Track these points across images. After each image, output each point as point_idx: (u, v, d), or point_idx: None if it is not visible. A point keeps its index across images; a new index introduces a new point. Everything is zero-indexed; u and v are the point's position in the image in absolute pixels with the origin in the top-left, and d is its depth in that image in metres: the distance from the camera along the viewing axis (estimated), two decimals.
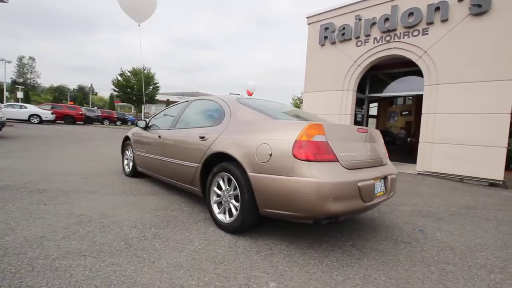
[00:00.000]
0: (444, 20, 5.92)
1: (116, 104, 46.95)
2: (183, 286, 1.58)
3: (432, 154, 6.16)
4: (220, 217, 2.45)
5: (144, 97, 17.47)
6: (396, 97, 9.61)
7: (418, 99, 9.63)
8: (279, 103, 3.35)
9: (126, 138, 4.59)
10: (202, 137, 2.66)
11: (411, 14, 6.38)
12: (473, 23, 5.57)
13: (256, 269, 1.82)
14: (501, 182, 5.43)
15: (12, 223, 2.28)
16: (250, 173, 2.11)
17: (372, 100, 12.27)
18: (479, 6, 5.43)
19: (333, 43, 7.87)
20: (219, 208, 2.51)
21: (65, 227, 2.29)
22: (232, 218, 2.31)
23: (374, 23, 7.03)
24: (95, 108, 36.03)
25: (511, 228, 3.03)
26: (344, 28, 7.55)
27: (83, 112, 21.42)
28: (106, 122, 26.54)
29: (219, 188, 2.51)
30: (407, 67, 7.47)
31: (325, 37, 8.00)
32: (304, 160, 1.88)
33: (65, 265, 1.71)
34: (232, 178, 2.31)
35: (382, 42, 6.94)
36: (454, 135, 5.87)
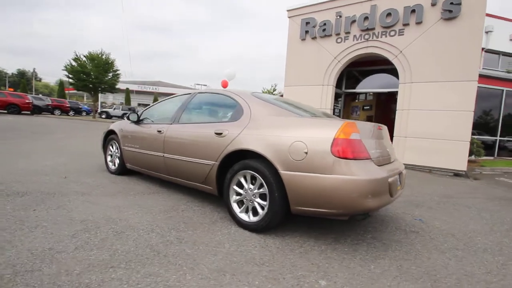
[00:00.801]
0: (419, 23, 6.37)
1: (66, 91, 42.43)
2: None
3: (406, 147, 6.71)
4: (242, 216, 2.38)
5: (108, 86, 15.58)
6: (371, 93, 10.18)
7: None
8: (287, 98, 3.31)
9: (110, 132, 4.19)
10: (219, 133, 2.53)
11: (389, 14, 6.74)
12: (444, 27, 6.09)
13: (299, 268, 1.81)
14: (463, 173, 6.13)
15: (5, 235, 1.95)
16: (282, 171, 2.07)
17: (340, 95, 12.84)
18: (450, 11, 5.95)
19: (314, 38, 8.02)
20: (239, 207, 2.43)
21: (72, 235, 2.02)
22: (258, 217, 2.26)
23: (354, 21, 7.30)
24: (41, 95, 32.18)
25: (489, 214, 3.44)
26: (325, 24, 7.72)
27: (30, 101, 19.00)
28: (57, 112, 23.99)
29: (240, 186, 2.42)
30: (382, 65, 7.94)
31: (306, 32, 8.10)
32: (343, 158, 1.89)
33: (96, 280, 1.52)
34: (258, 176, 2.24)
35: (361, 40, 7.25)
36: (425, 130, 6.43)
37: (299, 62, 8.34)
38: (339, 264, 1.90)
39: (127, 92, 42.06)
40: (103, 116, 28.02)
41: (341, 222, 2.71)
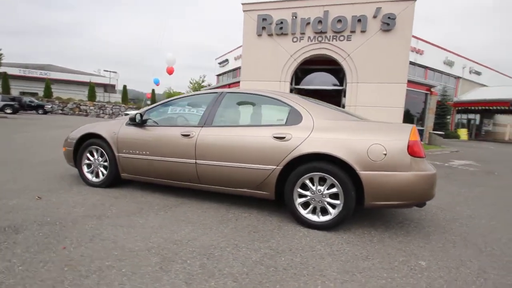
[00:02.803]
0: (363, 31, 7.45)
1: None
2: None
3: None
4: (310, 216, 2.46)
5: None
6: (319, 90, 11.21)
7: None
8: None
9: (88, 136, 3.41)
10: (280, 138, 2.49)
11: (339, 21, 7.61)
12: (383, 37, 7.33)
13: (394, 255, 2.05)
14: None
15: None
16: (361, 172, 2.25)
17: (291, 91, 13.68)
18: (388, 24, 7.20)
19: (271, 35, 8.27)
20: (304, 209, 2.49)
21: (161, 269, 1.71)
22: (330, 216, 2.39)
23: (308, 23, 7.90)
24: None
25: (455, 190, 4.49)
26: (282, 23, 8.06)
27: None
28: None
29: (305, 188, 2.48)
30: (330, 65, 8.89)
31: (263, 28, 8.27)
32: (416, 157, 2.23)
33: None
34: (330, 177, 2.35)
35: (315, 41, 7.94)
36: None
37: (256, 58, 8.47)
38: (415, 246, 2.24)
39: (5, 78, 32.99)
40: None
41: (371, 211, 3.08)
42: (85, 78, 41.94)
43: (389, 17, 7.19)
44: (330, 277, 1.72)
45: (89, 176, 3.43)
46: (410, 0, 6.94)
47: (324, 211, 2.44)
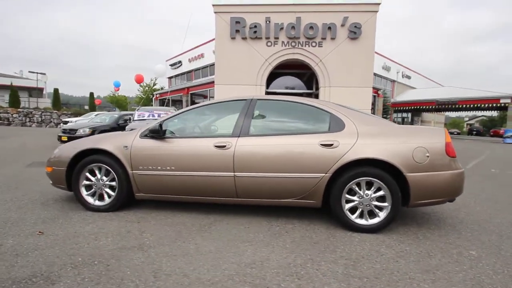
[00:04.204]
0: (333, 38, 7.95)
1: None
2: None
3: None
4: (358, 221, 2.52)
5: None
6: (291, 94, 11.50)
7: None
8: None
9: (87, 152, 2.92)
10: (328, 145, 2.49)
11: (311, 27, 7.97)
12: (351, 44, 7.93)
13: (447, 249, 2.23)
14: None
15: None
16: (407, 174, 2.40)
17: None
18: (354, 32, 7.82)
19: (245, 38, 8.23)
20: (352, 214, 2.55)
21: None
22: (379, 218, 2.48)
23: (282, 28, 8.09)
24: None
25: None
26: (256, 26, 8.09)
27: None
28: None
29: (352, 194, 2.53)
30: (297, 69, 9.24)
31: (237, 31, 8.17)
32: (452, 157, 2.47)
33: None
34: (377, 181, 2.45)
35: (288, 46, 8.17)
36: None
37: (231, 61, 8.33)
38: (454, 238, 2.47)
39: None
40: None
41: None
42: (5, 81, 35.36)
43: (355, 26, 7.84)
44: (419, 278, 1.79)
45: (90, 199, 2.93)
46: (373, 11, 7.68)
47: (371, 214, 2.53)
